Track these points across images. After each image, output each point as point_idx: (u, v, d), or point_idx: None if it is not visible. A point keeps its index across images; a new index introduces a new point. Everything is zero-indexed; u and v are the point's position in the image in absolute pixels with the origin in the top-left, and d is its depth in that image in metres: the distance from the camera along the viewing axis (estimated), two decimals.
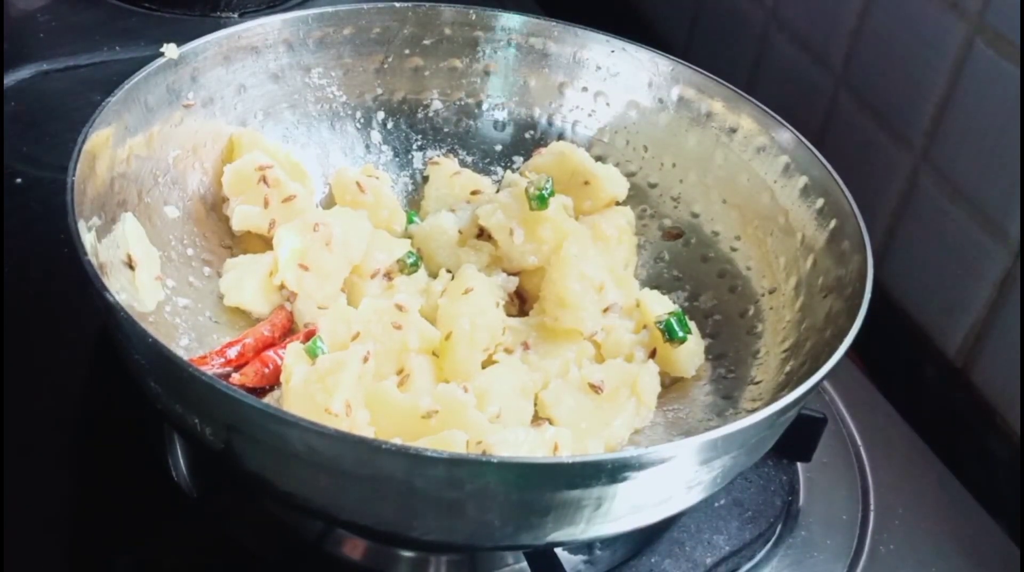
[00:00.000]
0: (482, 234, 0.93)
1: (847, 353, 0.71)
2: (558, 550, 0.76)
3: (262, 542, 0.79)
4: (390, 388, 0.77)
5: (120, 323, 0.65)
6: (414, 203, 1.01)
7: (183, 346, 0.81)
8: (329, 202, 0.97)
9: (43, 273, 0.95)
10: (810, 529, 0.86)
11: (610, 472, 0.62)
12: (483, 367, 0.83)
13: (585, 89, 1.02)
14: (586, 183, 0.96)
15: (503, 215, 0.90)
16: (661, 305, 0.89)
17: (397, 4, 0.99)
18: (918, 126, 1.00)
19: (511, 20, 1.01)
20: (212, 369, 0.79)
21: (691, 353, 0.87)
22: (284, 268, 0.85)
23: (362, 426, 0.74)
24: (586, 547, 0.80)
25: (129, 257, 0.79)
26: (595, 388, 0.82)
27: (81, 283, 0.67)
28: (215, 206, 0.91)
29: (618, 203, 0.97)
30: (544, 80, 1.03)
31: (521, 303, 0.93)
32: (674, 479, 0.66)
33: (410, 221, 0.97)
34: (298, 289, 0.86)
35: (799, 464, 0.90)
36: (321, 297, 0.86)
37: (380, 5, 0.99)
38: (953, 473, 0.93)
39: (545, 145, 1.00)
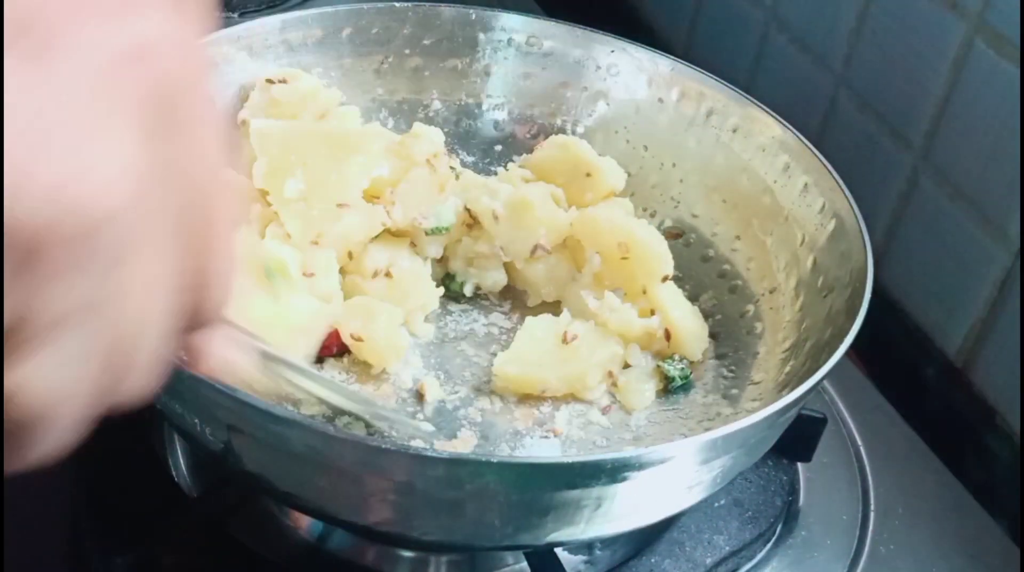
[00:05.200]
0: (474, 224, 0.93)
1: (847, 353, 0.71)
2: (558, 550, 0.76)
3: (262, 542, 0.79)
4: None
5: None
6: None
7: None
8: None
9: None
10: (810, 529, 0.86)
11: (610, 472, 0.62)
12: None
13: (585, 89, 1.02)
14: (588, 175, 0.95)
15: (488, 199, 0.90)
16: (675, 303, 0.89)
17: (397, 4, 0.99)
18: (918, 126, 1.00)
19: (511, 20, 1.01)
20: None
21: (696, 336, 0.87)
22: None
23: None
24: (586, 547, 0.80)
25: None
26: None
27: None
28: None
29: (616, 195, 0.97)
30: (544, 80, 1.03)
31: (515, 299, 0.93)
32: (674, 479, 0.66)
33: None
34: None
35: (799, 464, 0.90)
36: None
37: (380, 5, 0.99)
38: (953, 473, 0.93)
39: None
